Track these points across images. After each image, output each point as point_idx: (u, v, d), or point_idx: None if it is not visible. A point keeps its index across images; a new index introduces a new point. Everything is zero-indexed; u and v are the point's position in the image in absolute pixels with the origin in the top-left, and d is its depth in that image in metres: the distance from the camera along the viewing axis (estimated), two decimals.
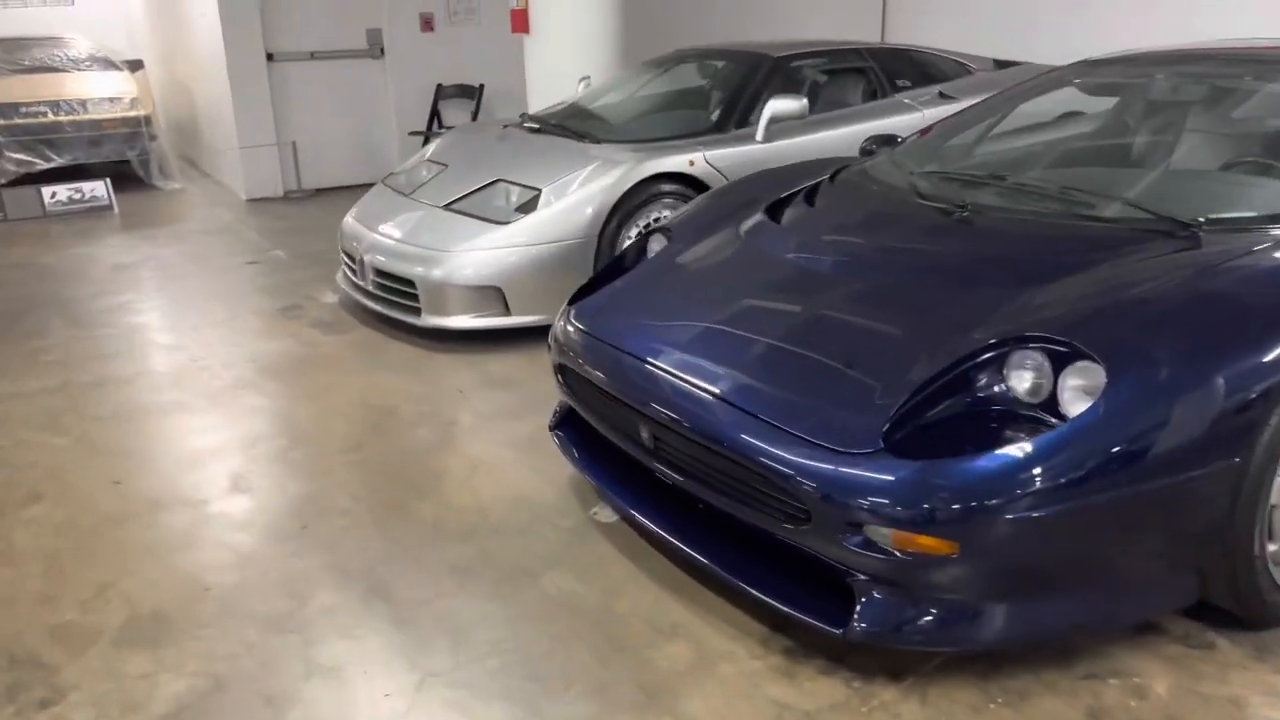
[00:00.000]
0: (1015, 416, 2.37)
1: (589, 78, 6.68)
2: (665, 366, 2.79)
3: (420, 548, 3.16)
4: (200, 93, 9.82)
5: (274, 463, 3.77)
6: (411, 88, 9.21)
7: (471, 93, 9.13)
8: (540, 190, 4.94)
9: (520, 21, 7.63)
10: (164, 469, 3.77)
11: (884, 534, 2.29)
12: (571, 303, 3.49)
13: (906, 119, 5.71)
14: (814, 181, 3.73)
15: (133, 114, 9.08)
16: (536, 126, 5.81)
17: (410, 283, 4.96)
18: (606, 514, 3.30)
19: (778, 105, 5.16)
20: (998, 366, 2.44)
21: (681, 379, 2.72)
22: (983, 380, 2.44)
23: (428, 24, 9.18)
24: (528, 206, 4.92)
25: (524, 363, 4.71)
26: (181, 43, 10.11)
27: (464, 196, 5.17)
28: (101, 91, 9.05)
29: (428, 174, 5.68)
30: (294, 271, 6.46)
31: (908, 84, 5.96)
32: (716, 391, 2.61)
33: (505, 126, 6.15)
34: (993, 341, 2.43)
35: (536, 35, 7.64)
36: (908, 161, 3.67)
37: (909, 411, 2.39)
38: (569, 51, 7.56)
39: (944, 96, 5.95)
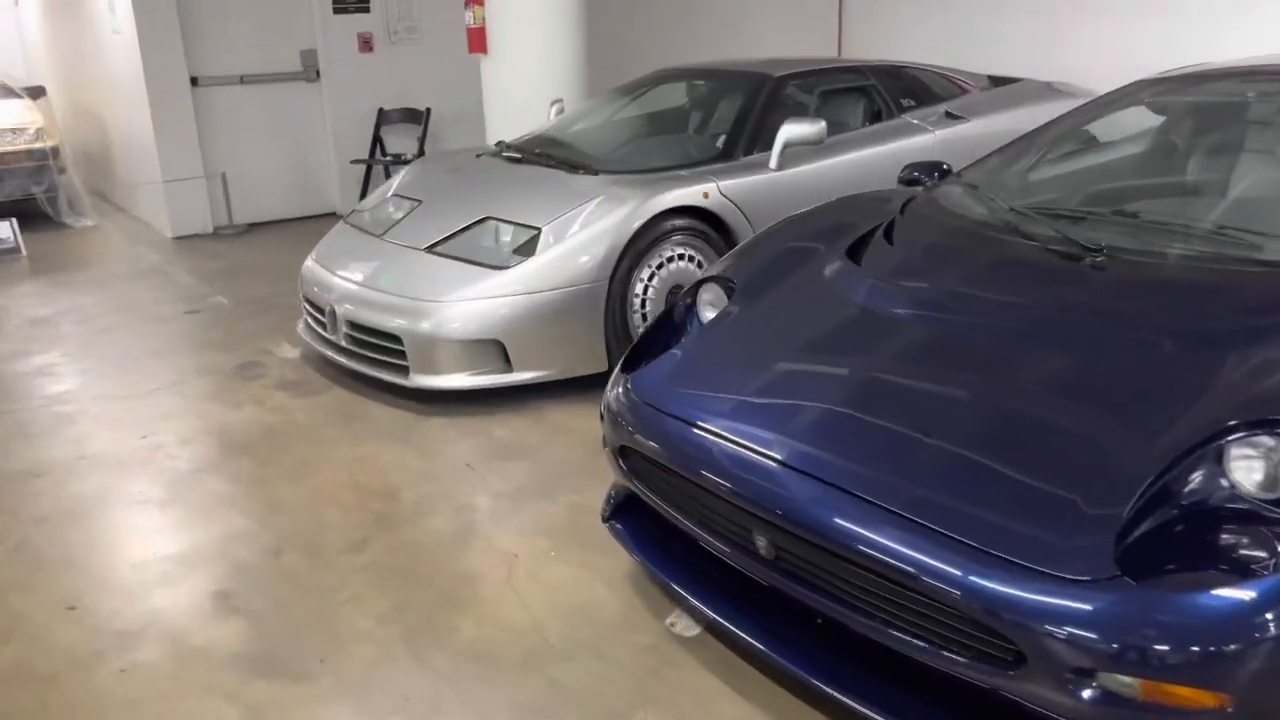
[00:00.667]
0: (1257, 517, 1.91)
1: (562, 101, 6.15)
2: (796, 464, 2.27)
3: (473, 683, 2.58)
4: (113, 121, 8.97)
5: (264, 572, 3.14)
6: (351, 113, 8.54)
7: (418, 117, 8.50)
8: (539, 229, 4.39)
9: (478, 41, 7.05)
10: (127, 586, 3.10)
11: (1126, 683, 1.82)
12: (626, 371, 2.95)
13: (919, 141, 5.32)
14: (884, 219, 3.26)
15: (38, 145, 8.23)
16: (518, 156, 5.25)
17: (394, 338, 4.35)
18: (687, 624, 2.77)
19: (793, 130, 4.70)
20: (1214, 456, 1.99)
21: (826, 482, 2.20)
22: (1198, 475, 1.99)
23: (366, 44, 8.53)
24: (526, 248, 4.36)
25: (531, 425, 4.15)
26: (88, 67, 9.25)
27: (449, 237, 4.58)
28: (2, 122, 8.17)
29: (399, 211, 5.09)
30: (243, 321, 5.76)
31: (911, 103, 5.57)
32: (882, 502, 2.10)
33: (479, 156, 5.59)
34: (1233, 424, 1.97)
35: (495, 56, 7.06)
36: (993, 193, 3.23)
37: (1128, 523, 1.92)
38: (533, 74, 6.99)
39: (951, 117, 5.57)
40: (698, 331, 3.03)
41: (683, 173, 4.72)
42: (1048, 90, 6.14)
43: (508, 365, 4.30)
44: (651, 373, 2.88)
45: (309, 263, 5.09)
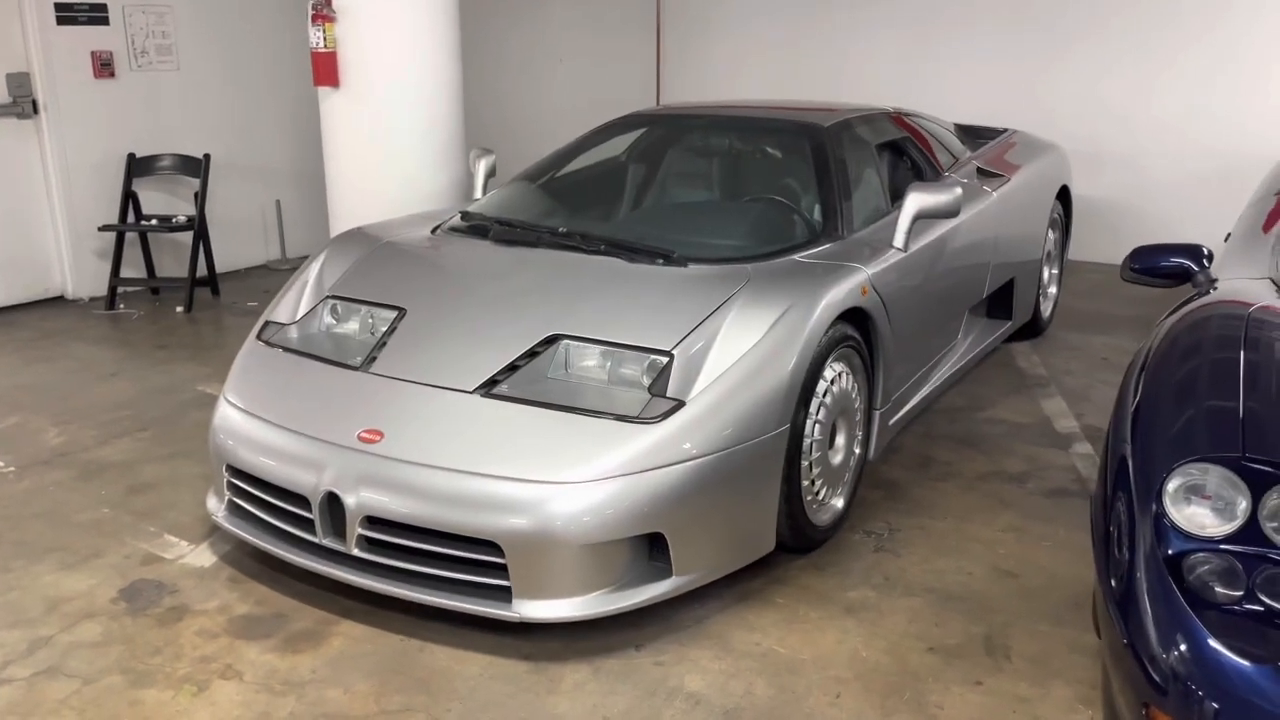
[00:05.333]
0: None
1: (490, 152, 4.60)
2: None
3: None
4: None
5: None
6: (85, 160, 6.23)
7: (191, 167, 6.36)
8: (670, 354, 2.95)
9: (326, 70, 5.24)
10: None
11: None
12: None
13: (988, 205, 4.47)
14: None
15: None
16: (531, 238, 3.70)
17: (473, 542, 2.72)
18: None
19: (924, 200, 3.61)
20: None
21: None
22: None
23: (105, 67, 6.26)
24: (660, 382, 2.91)
25: (735, 661, 2.71)
26: None
27: (509, 370, 3.00)
28: None
29: (371, 328, 3.39)
30: (46, 499, 3.64)
31: (942, 157, 4.70)
32: None
33: (435, 230, 3.96)
34: None
35: (349, 90, 5.31)
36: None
37: None
38: (404, 113, 5.33)
39: (984, 174, 4.78)
40: None
41: (797, 257, 3.47)
42: (1029, 136, 5.63)
43: (661, 570, 2.82)
44: None
45: (229, 412, 3.22)
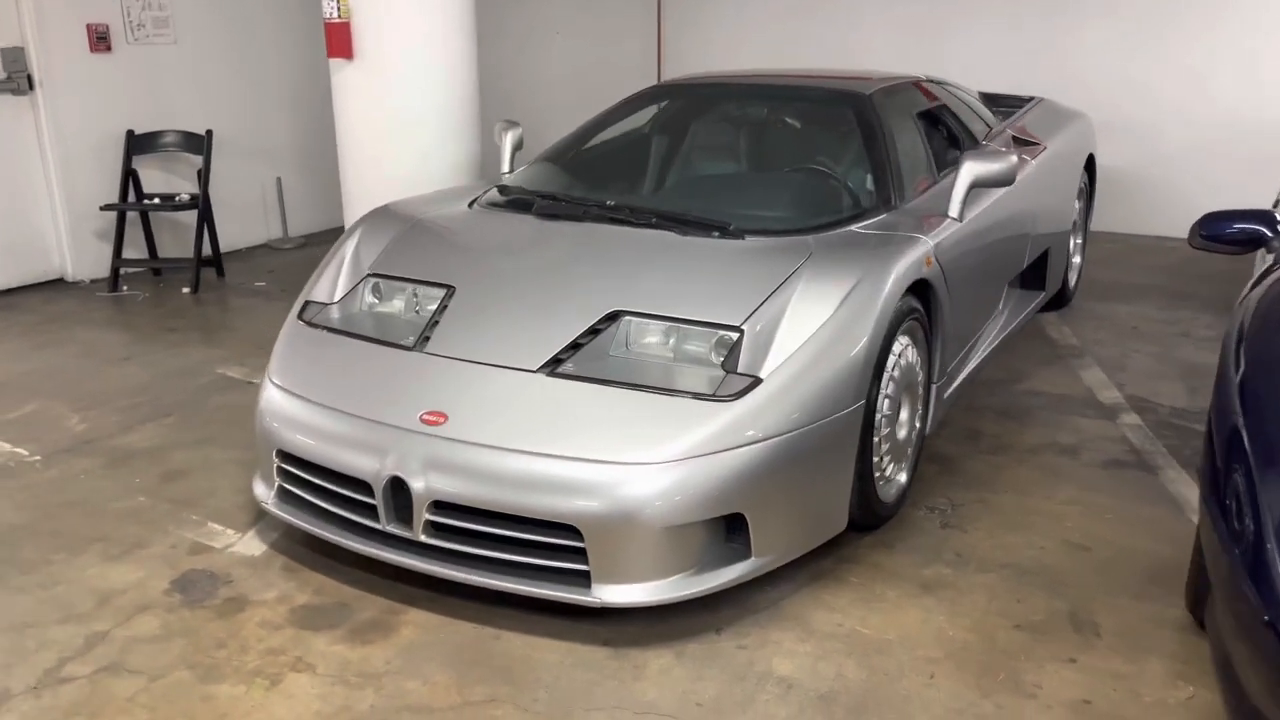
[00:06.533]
0: None
1: (516, 124, 4.47)
2: None
3: None
4: None
5: None
6: (83, 137, 6.04)
7: (194, 144, 6.19)
8: (739, 330, 2.87)
9: (339, 42, 5.09)
10: None
11: None
12: None
13: (1030, 172, 4.40)
14: None
15: None
16: (578, 212, 3.59)
17: (548, 526, 2.63)
18: None
19: (980, 168, 3.53)
20: None
21: None
22: None
23: (101, 40, 6.06)
24: (731, 359, 2.83)
25: (818, 643, 2.64)
26: None
27: (572, 348, 2.91)
28: None
29: (416, 307, 3.28)
30: (81, 487, 3.52)
31: (976, 127, 4.63)
32: None
33: (472, 205, 3.84)
34: None
35: (363, 62, 5.15)
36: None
37: None
38: (420, 86, 5.19)
39: (1019, 143, 4.72)
40: None
41: (855, 228, 3.39)
42: (1056, 104, 5.58)
43: (737, 551, 2.74)
44: None
45: (275, 395, 3.11)
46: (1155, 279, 6.04)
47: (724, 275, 3.10)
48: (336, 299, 3.42)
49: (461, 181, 5.32)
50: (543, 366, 2.87)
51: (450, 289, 3.24)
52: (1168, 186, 6.82)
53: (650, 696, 2.44)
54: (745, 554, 2.73)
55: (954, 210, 3.56)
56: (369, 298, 3.43)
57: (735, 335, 2.86)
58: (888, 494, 3.18)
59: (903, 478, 3.28)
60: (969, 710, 2.38)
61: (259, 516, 3.28)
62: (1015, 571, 2.95)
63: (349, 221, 5.61)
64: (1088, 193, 5.57)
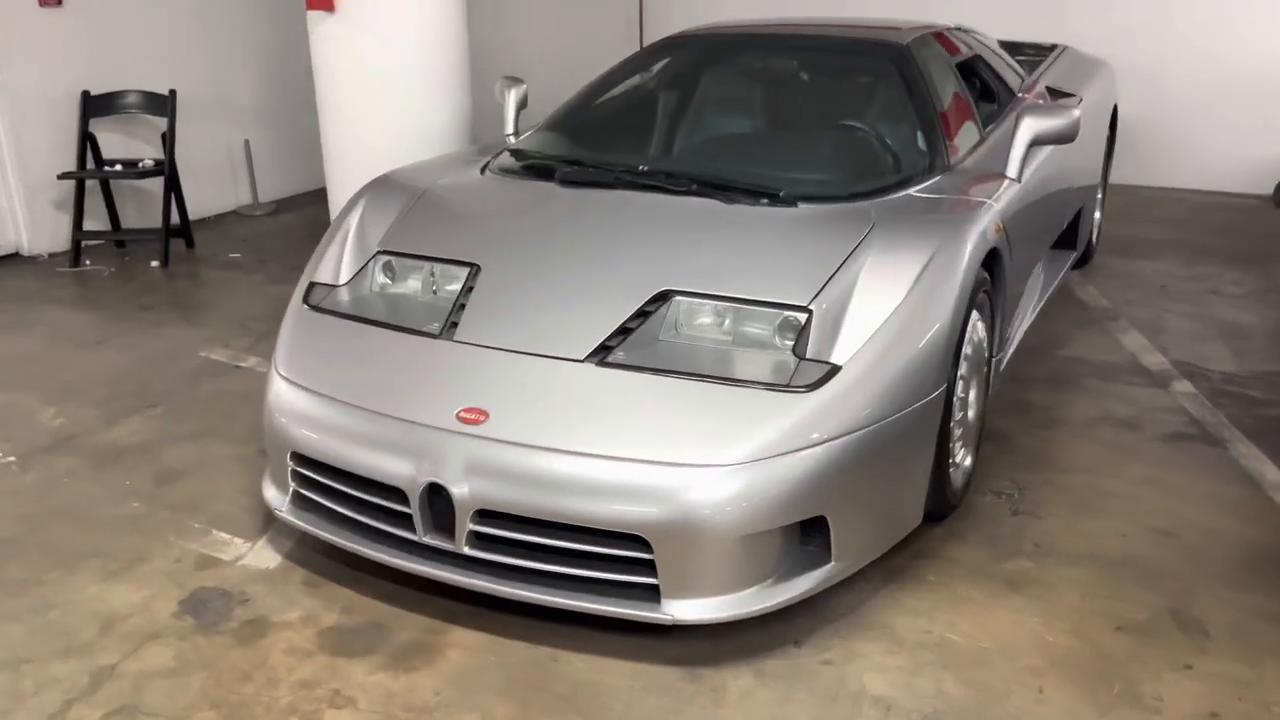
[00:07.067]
0: None
1: (520, 81, 4.12)
2: None
3: None
4: None
5: None
6: (35, 100, 5.58)
7: (156, 105, 5.75)
8: (808, 310, 2.60)
9: None
10: None
11: None
12: None
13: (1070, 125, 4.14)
14: None
15: None
16: (607, 178, 3.26)
17: (621, 537, 2.36)
18: None
19: (1040, 124, 3.27)
20: None
21: None
22: None
23: None
24: (799, 344, 2.56)
25: (909, 655, 2.42)
26: None
27: (620, 333, 2.63)
28: None
29: (435, 287, 2.97)
30: (71, 491, 3.19)
31: (1009, 78, 4.36)
32: None
33: (484, 171, 3.51)
34: None
35: (345, 14, 4.76)
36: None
37: None
38: (406, 40, 4.82)
39: (1054, 94, 4.47)
40: None
41: (913, 193, 3.13)
42: (1080, 53, 5.32)
43: (814, 555, 2.50)
44: None
45: (285, 389, 2.79)
46: (1170, 233, 5.85)
47: (781, 249, 2.82)
48: (344, 280, 3.10)
49: (453, 142, 4.99)
50: (590, 355, 2.59)
51: (474, 267, 2.93)
52: (1174, 137, 6.61)
53: (735, 707, 2.20)
54: (823, 558, 2.49)
55: (1013, 170, 3.30)
56: (380, 278, 3.11)
57: (803, 317, 2.59)
58: (957, 480, 2.95)
59: (969, 461, 3.06)
60: None
61: (269, 522, 2.98)
62: (1103, 564, 2.74)
63: (331, 184, 5.25)
64: (1109, 146, 5.35)
